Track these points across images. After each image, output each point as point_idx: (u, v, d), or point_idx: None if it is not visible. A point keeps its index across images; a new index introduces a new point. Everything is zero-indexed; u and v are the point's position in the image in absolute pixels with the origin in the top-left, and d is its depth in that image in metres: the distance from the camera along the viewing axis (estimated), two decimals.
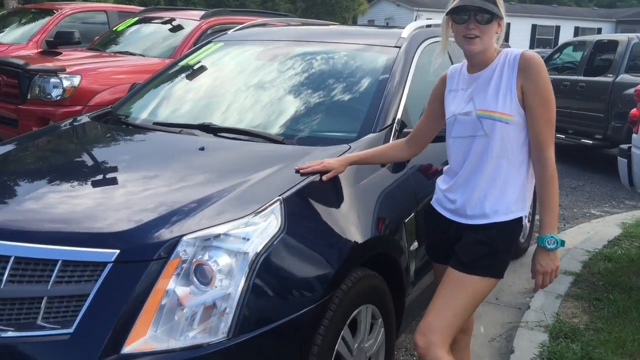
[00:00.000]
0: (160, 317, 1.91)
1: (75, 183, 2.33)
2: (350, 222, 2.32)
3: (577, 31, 38.29)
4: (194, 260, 1.96)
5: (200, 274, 1.96)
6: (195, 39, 6.61)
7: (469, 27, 2.06)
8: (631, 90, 7.87)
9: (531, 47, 35.94)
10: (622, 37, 8.58)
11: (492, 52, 2.12)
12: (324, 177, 2.32)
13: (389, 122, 2.80)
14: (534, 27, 37.01)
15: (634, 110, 4.23)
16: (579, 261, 4.41)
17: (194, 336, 1.90)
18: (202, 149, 2.58)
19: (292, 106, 3.01)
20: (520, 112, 2.07)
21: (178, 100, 3.29)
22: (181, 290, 1.93)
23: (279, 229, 2.05)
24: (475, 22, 2.05)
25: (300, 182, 2.27)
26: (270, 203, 2.11)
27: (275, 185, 2.25)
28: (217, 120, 2.95)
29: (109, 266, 1.93)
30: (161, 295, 1.92)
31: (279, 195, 2.16)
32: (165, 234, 1.99)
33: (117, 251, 1.94)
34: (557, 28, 38.42)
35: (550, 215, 2.07)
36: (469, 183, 2.16)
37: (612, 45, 8.57)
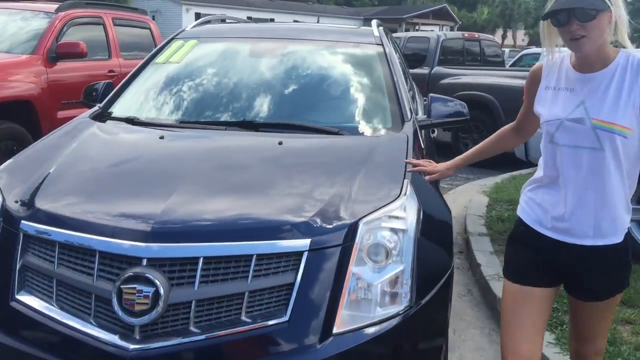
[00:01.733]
0: (350, 296, 2.08)
1: (210, 183, 2.31)
2: (442, 198, 2.69)
3: None
4: (367, 242, 2.16)
5: (374, 254, 2.17)
6: (57, 32, 6.15)
7: (571, 28, 1.83)
8: (446, 80, 9.14)
9: None
10: (432, 34, 9.85)
11: (608, 50, 1.90)
12: (427, 178, 2.51)
13: (408, 112, 3.16)
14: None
15: None
16: (480, 224, 5.22)
17: (383, 309, 2.11)
18: (280, 143, 2.69)
19: (317, 100, 3.21)
20: (638, 124, 1.88)
21: (187, 99, 3.25)
22: (361, 270, 2.12)
23: (418, 206, 2.33)
24: (577, 22, 1.82)
25: (406, 166, 2.55)
26: (406, 185, 2.38)
27: (390, 170, 2.51)
28: (247, 116, 3.04)
29: (305, 255, 2.04)
30: (349, 277, 2.09)
31: (404, 179, 2.43)
32: (344, 220, 2.15)
33: (309, 240, 2.06)
34: None
35: None
36: (580, 199, 1.97)
37: (424, 40, 9.79)
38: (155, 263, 1.97)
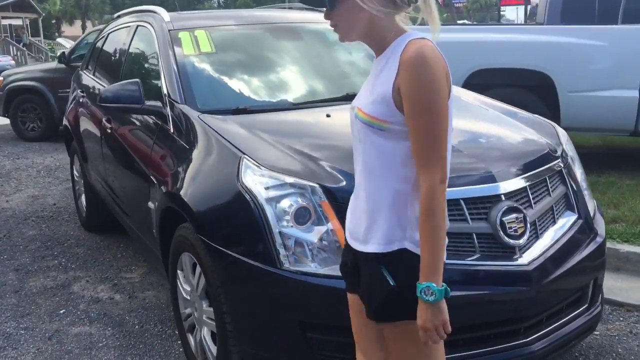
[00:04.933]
0: None
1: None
2: None
3: None
4: None
5: None
6: None
7: (325, 16, 1.70)
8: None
9: None
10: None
11: (385, 35, 1.64)
12: None
13: None
14: None
15: None
16: None
17: None
18: None
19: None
20: (402, 119, 1.59)
21: (277, 83, 3.39)
22: None
23: None
24: (328, 9, 1.66)
25: None
26: None
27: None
28: (343, 91, 3.39)
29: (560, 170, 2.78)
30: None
31: None
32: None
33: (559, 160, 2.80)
34: None
35: (426, 258, 1.59)
36: (354, 197, 1.80)
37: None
38: (508, 196, 2.45)
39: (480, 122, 3.06)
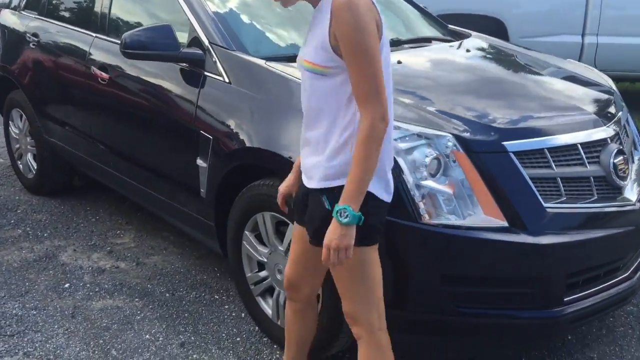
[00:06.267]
0: None
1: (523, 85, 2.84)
2: None
3: None
4: None
5: None
6: None
7: None
8: None
9: None
10: None
11: None
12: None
13: None
14: None
15: None
16: None
17: None
18: (468, 50, 3.18)
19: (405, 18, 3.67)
20: (341, 63, 1.73)
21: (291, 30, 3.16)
22: None
23: None
24: None
25: None
26: None
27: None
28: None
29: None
30: None
31: None
32: None
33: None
34: None
35: (351, 183, 1.72)
36: (304, 139, 1.92)
37: None
38: (612, 140, 2.53)
39: (557, 72, 3.13)
